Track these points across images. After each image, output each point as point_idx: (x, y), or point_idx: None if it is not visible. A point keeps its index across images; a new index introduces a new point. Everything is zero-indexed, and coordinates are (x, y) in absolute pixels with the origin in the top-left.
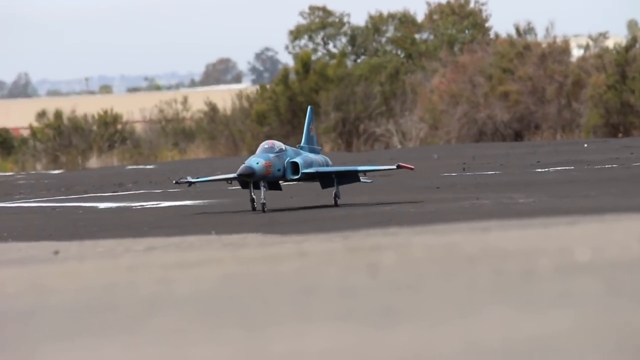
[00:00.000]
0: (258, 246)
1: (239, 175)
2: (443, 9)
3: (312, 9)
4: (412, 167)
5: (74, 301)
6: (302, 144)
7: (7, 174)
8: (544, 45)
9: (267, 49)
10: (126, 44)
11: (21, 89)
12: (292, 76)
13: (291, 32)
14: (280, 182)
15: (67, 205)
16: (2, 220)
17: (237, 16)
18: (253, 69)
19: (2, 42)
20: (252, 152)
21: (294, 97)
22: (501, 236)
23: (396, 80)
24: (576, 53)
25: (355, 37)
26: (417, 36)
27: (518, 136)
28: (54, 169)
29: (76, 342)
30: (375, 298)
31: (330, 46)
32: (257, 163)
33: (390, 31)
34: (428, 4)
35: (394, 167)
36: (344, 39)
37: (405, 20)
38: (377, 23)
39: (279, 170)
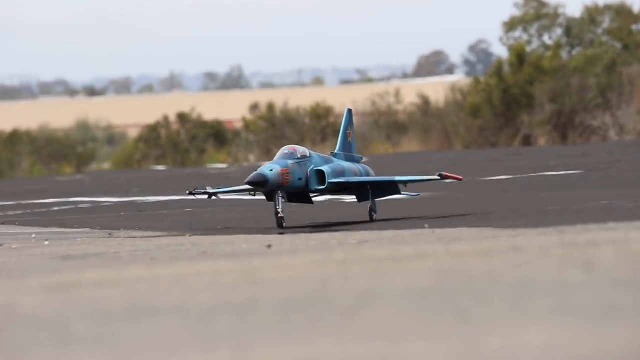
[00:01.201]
0: (472, 240)
1: (248, 183)
2: None
3: (527, 0)
4: (460, 177)
5: (287, 295)
6: (336, 150)
7: (220, 165)
8: None
9: (481, 41)
10: (339, 37)
11: (234, 81)
12: (506, 68)
13: (505, 24)
14: (310, 194)
15: None
16: (214, 212)
17: (450, 8)
18: (466, 61)
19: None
20: (466, 146)
21: (508, 89)
22: None
23: (613, 72)
24: None
25: (571, 29)
26: (634, 27)
27: None
28: (267, 161)
29: (288, 337)
30: (593, 294)
31: (545, 38)
32: (271, 170)
33: (607, 22)
34: None
35: (437, 177)
36: (559, 31)
37: (621, 11)
38: (592, 14)
39: (300, 179)
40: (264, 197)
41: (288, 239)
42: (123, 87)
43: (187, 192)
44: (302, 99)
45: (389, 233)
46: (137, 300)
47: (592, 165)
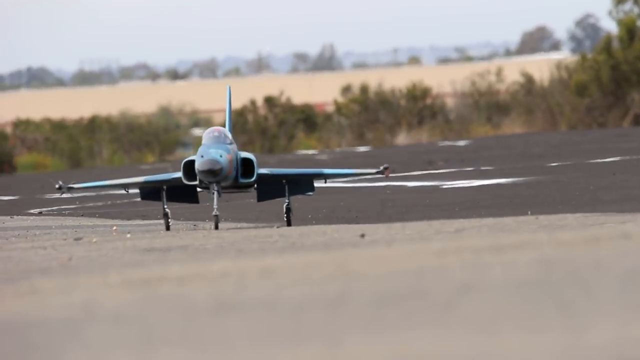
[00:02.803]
0: (578, 227)
1: (205, 171)
2: None
3: None
4: (385, 172)
5: (381, 288)
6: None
7: (311, 151)
8: None
9: (588, 15)
10: (436, 13)
11: (326, 62)
12: (616, 44)
13: None
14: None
15: (374, 185)
16: (304, 202)
17: None
18: (572, 37)
19: (306, 13)
20: (572, 127)
21: (617, 66)
22: None
23: None
24: None
25: None
26: None
27: None
28: (360, 146)
29: (381, 332)
30: None
31: None
32: (221, 156)
33: None
34: None
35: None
36: None
37: None
38: None
39: (235, 169)
40: (137, 192)
41: (382, 228)
42: (208, 69)
43: (57, 186)
44: (397, 80)
45: (489, 220)
46: (223, 296)
47: None
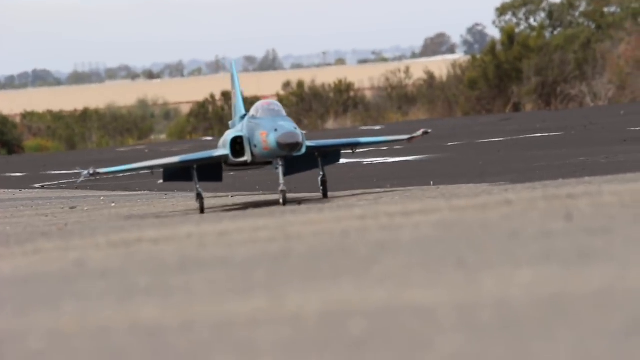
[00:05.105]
0: (470, 195)
1: (286, 145)
2: None
3: None
4: (419, 134)
5: (314, 246)
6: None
7: None
8: None
9: (477, 24)
10: (357, 23)
11: (270, 63)
12: (499, 47)
13: (498, 9)
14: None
15: None
16: (253, 175)
17: None
18: (465, 42)
19: (254, 24)
20: (466, 114)
21: (500, 65)
22: None
23: (588, 49)
24: None
25: (553, 12)
26: (605, 10)
27: None
28: None
29: (316, 282)
30: (572, 240)
31: (531, 20)
32: (296, 128)
33: (583, 6)
34: None
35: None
36: (542, 14)
37: None
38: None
39: None
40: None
41: (315, 201)
42: (176, 70)
43: (91, 172)
44: (326, 77)
45: (400, 190)
46: (188, 254)
47: (571, 128)
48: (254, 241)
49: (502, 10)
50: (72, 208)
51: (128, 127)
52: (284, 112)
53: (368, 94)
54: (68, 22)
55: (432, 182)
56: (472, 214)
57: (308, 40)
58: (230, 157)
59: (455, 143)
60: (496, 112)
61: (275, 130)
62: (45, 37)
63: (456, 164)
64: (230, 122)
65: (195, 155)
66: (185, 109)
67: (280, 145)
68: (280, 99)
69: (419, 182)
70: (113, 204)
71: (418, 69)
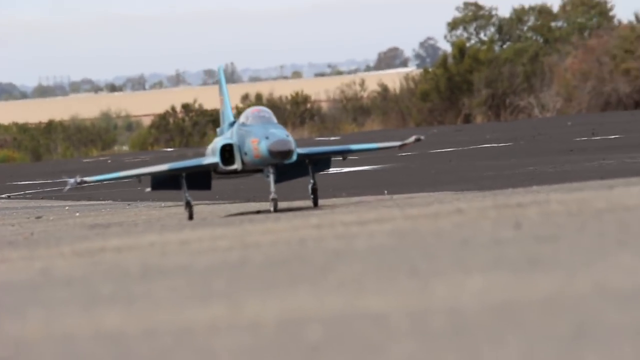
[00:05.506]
0: (423, 204)
1: (278, 152)
2: (574, 1)
3: (466, 4)
4: (411, 141)
5: (271, 254)
6: (233, 118)
7: None
8: None
9: (429, 38)
10: (313, 37)
11: (228, 77)
12: (450, 60)
13: (449, 24)
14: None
15: None
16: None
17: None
18: (417, 55)
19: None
20: (418, 124)
21: (451, 77)
22: (624, 192)
23: (536, 62)
24: None
25: (502, 27)
26: (553, 24)
27: (638, 105)
28: None
29: (273, 289)
30: (520, 248)
31: (482, 35)
32: (288, 136)
33: (531, 21)
34: None
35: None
36: (492, 28)
37: (543, 12)
38: (519, 14)
39: None
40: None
41: (272, 208)
42: (138, 83)
43: (78, 181)
44: (284, 90)
45: (355, 199)
46: (150, 262)
47: (520, 138)
48: (214, 250)
49: (453, 25)
50: (37, 218)
51: (92, 138)
52: (274, 119)
53: (324, 106)
54: (33, 36)
55: (385, 192)
56: (425, 223)
57: (266, 54)
58: (220, 164)
59: (409, 153)
60: (448, 123)
61: (267, 137)
62: (11, 51)
63: (409, 174)
64: (218, 130)
65: (184, 163)
66: (147, 121)
67: (272, 153)
68: (238, 112)
69: (374, 192)
70: (77, 214)
71: (372, 82)
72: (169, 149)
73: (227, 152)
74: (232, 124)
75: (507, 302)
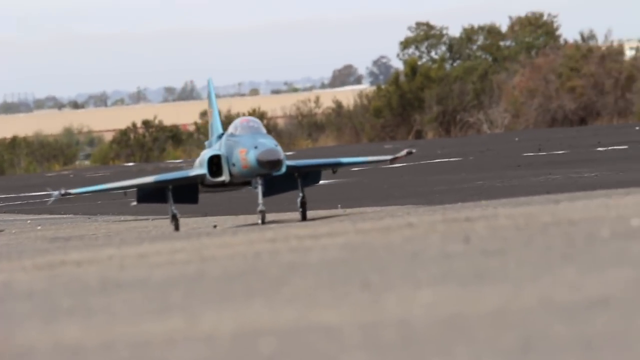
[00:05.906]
0: (375, 218)
1: (268, 162)
2: (522, 21)
3: (418, 24)
4: (403, 155)
5: (228, 268)
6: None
7: (177, 161)
8: (603, 49)
9: (382, 57)
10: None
11: (188, 94)
12: (402, 78)
13: (401, 43)
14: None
15: None
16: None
17: (358, 31)
18: (371, 73)
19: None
20: (371, 140)
21: (403, 94)
22: (570, 206)
23: (485, 79)
24: (629, 54)
25: (452, 46)
26: (501, 43)
27: (583, 122)
28: None
29: (230, 302)
30: (469, 261)
31: (433, 53)
32: (277, 145)
33: (480, 40)
34: (510, 17)
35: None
36: (443, 47)
37: (492, 31)
38: (469, 34)
39: None
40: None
41: (230, 220)
42: (100, 100)
43: (62, 193)
44: (241, 107)
45: (310, 213)
46: (108, 276)
47: (469, 153)
48: (171, 263)
49: (405, 44)
50: (0, 231)
51: (54, 153)
52: (263, 130)
53: (280, 122)
54: None
55: (339, 206)
56: (376, 237)
57: (224, 72)
58: (208, 176)
59: (362, 168)
60: (400, 138)
61: (255, 147)
62: None
63: (362, 188)
64: (206, 142)
65: (171, 175)
66: (108, 137)
67: (260, 163)
68: (198, 128)
69: (327, 206)
70: (39, 227)
71: (327, 99)
72: (130, 164)
73: (214, 164)
74: (220, 136)
75: (455, 315)
